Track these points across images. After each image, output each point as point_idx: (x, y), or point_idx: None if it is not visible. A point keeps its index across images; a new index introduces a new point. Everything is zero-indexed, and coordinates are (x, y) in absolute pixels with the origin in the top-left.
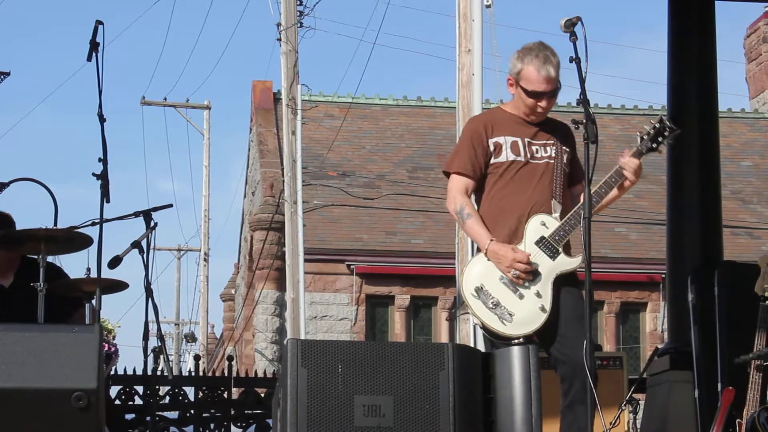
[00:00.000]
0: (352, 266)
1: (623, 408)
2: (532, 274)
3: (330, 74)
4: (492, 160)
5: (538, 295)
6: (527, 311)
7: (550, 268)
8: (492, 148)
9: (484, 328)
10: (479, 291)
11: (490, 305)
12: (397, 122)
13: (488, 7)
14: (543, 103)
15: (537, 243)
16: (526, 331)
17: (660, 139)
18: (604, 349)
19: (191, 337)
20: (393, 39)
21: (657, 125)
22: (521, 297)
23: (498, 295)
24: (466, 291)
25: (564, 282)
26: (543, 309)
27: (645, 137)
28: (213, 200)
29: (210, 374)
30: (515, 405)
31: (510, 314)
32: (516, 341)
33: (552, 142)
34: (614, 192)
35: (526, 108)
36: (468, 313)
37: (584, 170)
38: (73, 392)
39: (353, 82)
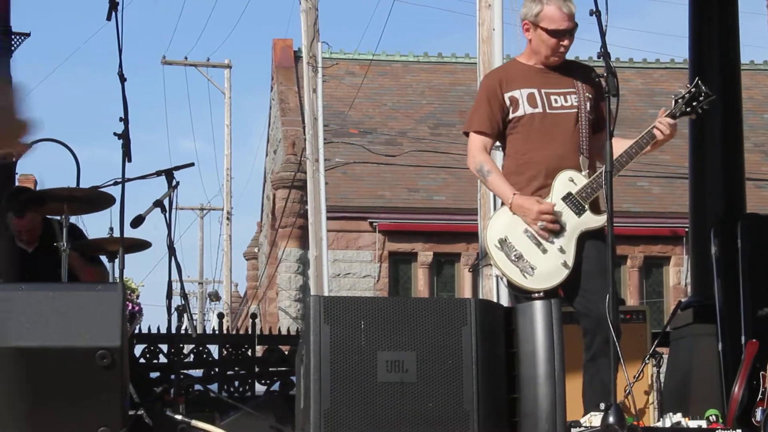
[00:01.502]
0: (374, 223)
1: (647, 362)
2: (557, 228)
3: (350, 31)
4: (510, 115)
5: (562, 250)
6: (549, 265)
7: (576, 224)
8: (508, 102)
9: (505, 280)
10: (503, 243)
11: (513, 257)
12: (418, 79)
13: None
14: (565, 42)
15: (564, 199)
16: (547, 286)
17: (695, 103)
18: (628, 303)
19: (215, 296)
20: None
21: (693, 89)
22: (544, 251)
23: (521, 248)
24: (490, 242)
25: (589, 237)
26: (565, 264)
27: (679, 101)
28: (235, 159)
29: (234, 332)
30: (538, 359)
31: (532, 268)
32: (536, 295)
33: (573, 90)
34: (646, 148)
35: (547, 50)
36: (490, 265)
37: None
38: (97, 350)
39: (374, 39)
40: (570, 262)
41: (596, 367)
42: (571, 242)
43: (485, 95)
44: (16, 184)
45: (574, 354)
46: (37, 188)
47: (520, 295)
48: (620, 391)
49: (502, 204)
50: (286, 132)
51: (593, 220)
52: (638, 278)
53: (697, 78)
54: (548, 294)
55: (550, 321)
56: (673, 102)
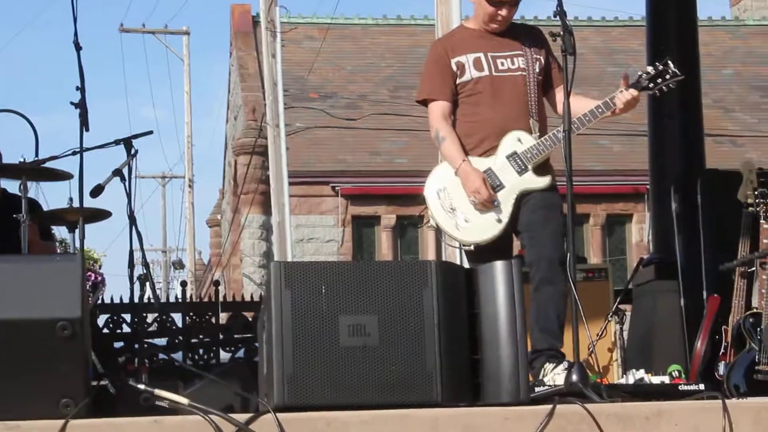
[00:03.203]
0: (336, 188)
1: (609, 319)
2: (487, 208)
3: None
4: (458, 80)
5: (498, 207)
6: (483, 220)
7: (515, 183)
8: (455, 68)
9: (438, 229)
10: (440, 192)
11: (448, 208)
12: (377, 42)
13: None
14: (503, 12)
15: (508, 157)
16: (477, 239)
17: (659, 80)
18: (591, 261)
19: (179, 264)
20: None
21: (660, 67)
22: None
23: (457, 200)
24: (428, 191)
25: (533, 195)
26: (499, 221)
27: (644, 75)
28: (195, 126)
29: (197, 300)
30: (500, 320)
31: (466, 220)
32: (468, 248)
33: (520, 52)
34: (605, 113)
35: (486, 17)
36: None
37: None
38: (57, 321)
39: (331, 2)
40: (504, 219)
41: (542, 294)
42: (508, 200)
43: (434, 62)
44: None
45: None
46: None
47: (455, 247)
48: (583, 349)
49: None
50: (246, 98)
51: (535, 181)
52: (601, 236)
53: (667, 57)
54: (493, 251)
55: (511, 281)
56: (638, 76)
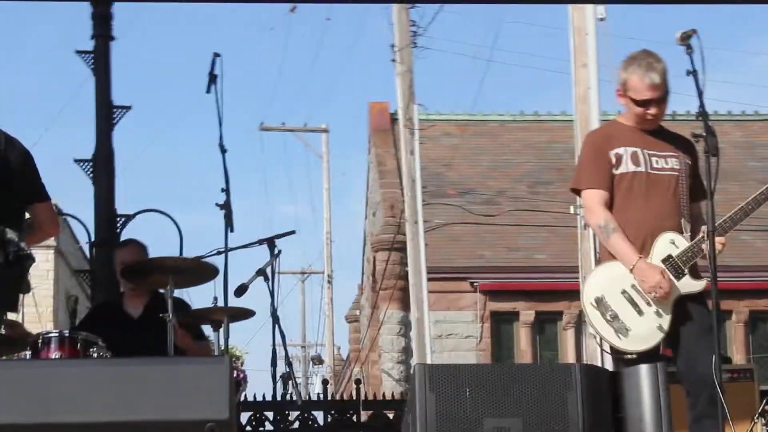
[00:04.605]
0: (475, 283)
1: (756, 421)
2: (666, 300)
3: (445, 92)
4: (614, 172)
5: (658, 314)
6: (645, 328)
7: (674, 288)
8: (613, 159)
9: (599, 338)
10: (599, 302)
11: (608, 317)
12: (514, 138)
13: (602, 20)
14: (652, 111)
15: (664, 261)
16: (640, 348)
17: None
18: (734, 359)
19: (318, 360)
20: (507, 55)
21: None
22: (641, 313)
23: (617, 308)
24: (586, 300)
25: (689, 300)
26: (660, 328)
27: None
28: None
29: (338, 396)
30: (645, 424)
31: (626, 329)
32: (629, 357)
33: (674, 153)
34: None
35: (635, 117)
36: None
37: (705, 184)
38: (206, 423)
39: (469, 99)
40: (665, 326)
41: (702, 428)
42: (668, 306)
43: (592, 151)
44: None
45: (680, 413)
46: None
47: (616, 355)
48: None
49: (598, 262)
50: (384, 194)
51: (692, 285)
52: (744, 333)
53: None
54: (645, 356)
55: (656, 385)
56: None
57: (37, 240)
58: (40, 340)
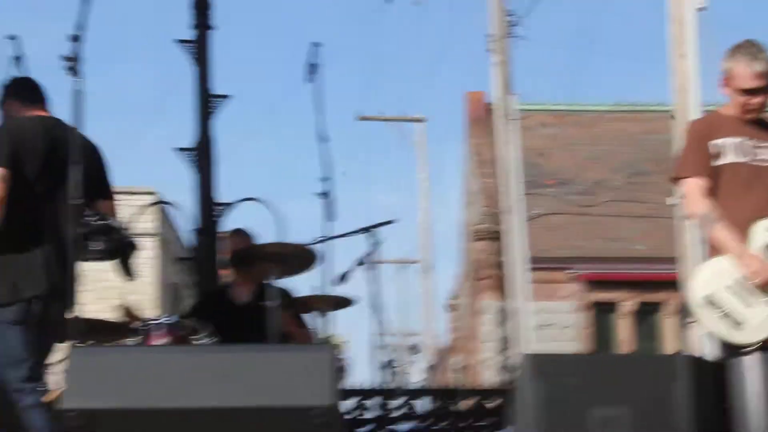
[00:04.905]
0: (574, 274)
1: None
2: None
3: (542, 82)
4: (714, 163)
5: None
6: (757, 318)
7: None
8: (715, 150)
9: (714, 336)
10: (707, 301)
11: (720, 315)
12: (611, 128)
13: (702, 9)
14: (755, 100)
15: (764, 248)
16: (758, 338)
17: None
18: None
19: (416, 349)
20: (604, 45)
21: None
22: (749, 305)
23: (726, 304)
24: (694, 303)
25: None
26: None
27: None
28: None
29: (437, 385)
30: (751, 414)
31: (740, 322)
32: (748, 348)
33: None
34: None
35: (739, 107)
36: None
37: None
38: (311, 409)
39: (565, 89)
40: None
41: None
42: None
43: (695, 140)
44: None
45: None
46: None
47: (732, 350)
48: None
49: (705, 258)
50: (482, 184)
51: None
52: None
53: None
54: (763, 346)
55: (762, 374)
56: None
57: None
58: (148, 327)
